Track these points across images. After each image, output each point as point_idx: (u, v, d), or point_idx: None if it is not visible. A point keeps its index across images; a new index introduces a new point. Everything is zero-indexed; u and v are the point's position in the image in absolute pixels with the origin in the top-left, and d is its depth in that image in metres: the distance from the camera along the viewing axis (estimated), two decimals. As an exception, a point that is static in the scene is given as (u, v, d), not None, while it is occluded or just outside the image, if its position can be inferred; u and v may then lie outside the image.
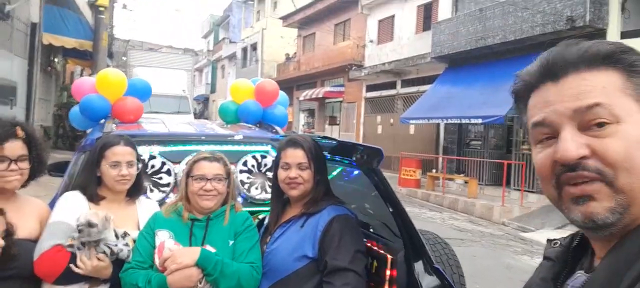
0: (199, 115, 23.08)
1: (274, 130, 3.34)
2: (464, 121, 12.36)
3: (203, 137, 2.97)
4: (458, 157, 13.91)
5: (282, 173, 1.99)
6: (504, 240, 8.62)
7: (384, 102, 18.50)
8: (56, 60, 15.90)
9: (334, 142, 2.05)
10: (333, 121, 22.66)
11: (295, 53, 27.09)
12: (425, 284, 1.68)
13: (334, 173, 2.52)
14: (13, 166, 1.75)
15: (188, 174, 1.98)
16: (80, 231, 1.74)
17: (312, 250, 1.84)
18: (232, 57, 36.13)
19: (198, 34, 53.84)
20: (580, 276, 0.76)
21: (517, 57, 11.76)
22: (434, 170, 14.11)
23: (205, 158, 1.99)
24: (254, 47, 31.91)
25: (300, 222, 1.93)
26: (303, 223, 1.92)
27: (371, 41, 19.11)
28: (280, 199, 2.08)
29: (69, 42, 13.14)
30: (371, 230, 2.17)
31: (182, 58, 24.00)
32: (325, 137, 2.12)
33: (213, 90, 40.95)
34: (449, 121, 12.89)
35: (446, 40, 13.59)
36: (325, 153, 2.07)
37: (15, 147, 1.77)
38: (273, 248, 1.94)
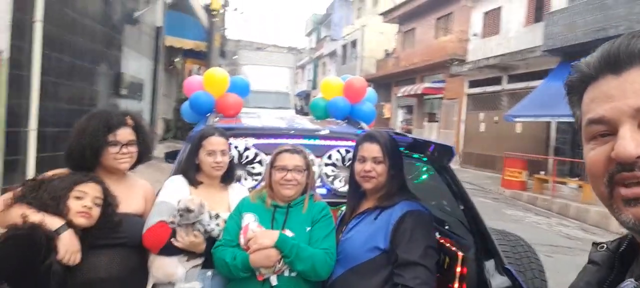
0: (300, 111, 23.98)
1: (359, 126, 3.44)
2: (578, 120, 11.26)
3: (292, 131, 3.17)
4: (571, 159, 12.72)
5: (358, 166, 2.09)
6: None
7: (487, 99, 17.54)
8: (176, 60, 17.64)
9: (409, 138, 2.08)
10: (432, 118, 22.03)
11: (394, 49, 26.79)
12: (495, 284, 1.66)
13: (424, 177, 2.55)
14: (124, 150, 2.07)
15: (271, 165, 2.17)
16: (181, 215, 2.01)
17: (384, 242, 1.91)
18: (333, 54, 36.84)
19: (301, 32, 55.65)
20: (629, 284, 0.71)
21: None
22: (542, 172, 13.08)
23: (286, 151, 2.16)
24: (353, 44, 32.20)
25: (374, 214, 2.01)
26: (376, 216, 1.99)
27: (475, 35, 18.21)
28: (356, 192, 2.18)
29: (187, 44, 14.54)
30: (446, 227, 2.17)
31: (286, 56, 25.12)
32: (400, 134, 2.17)
33: (314, 87, 42.10)
34: (561, 119, 11.84)
35: (560, 31, 12.48)
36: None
37: (125, 134, 2.09)
38: (347, 238, 2.05)
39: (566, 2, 13.31)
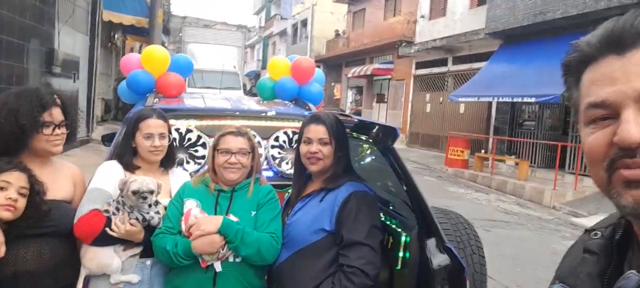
0: (249, 92, 23.56)
1: (307, 107, 3.40)
2: (516, 100, 11.85)
3: (237, 113, 3.08)
4: (509, 138, 13.40)
5: (303, 148, 2.05)
6: (553, 225, 8.30)
7: (433, 80, 18.05)
8: (116, 36, 16.73)
9: (354, 119, 2.07)
10: (381, 99, 22.40)
11: (344, 30, 26.85)
12: (436, 262, 1.70)
13: (369, 158, 2.55)
14: (57, 131, 1.92)
15: (215, 147, 2.08)
16: (144, 197, 1.90)
17: (330, 223, 1.90)
18: (283, 33, 36.38)
19: (250, 10, 54.46)
20: (632, 276, 0.67)
21: (578, 33, 10.59)
22: (483, 151, 13.69)
23: (230, 133, 2.08)
24: (304, 23, 31.93)
25: (319, 196, 1.99)
26: (322, 197, 1.97)
27: (423, 16, 18.57)
28: (302, 174, 2.15)
29: (127, 19, 13.77)
30: (391, 207, 2.19)
31: (234, 34, 24.46)
32: (345, 115, 2.15)
33: (264, 67, 41.42)
34: (501, 99, 12.39)
35: (502, 15, 12.97)
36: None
37: (57, 113, 1.93)
38: (293, 221, 2.01)
39: (507, -13, 13.80)
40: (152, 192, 1.94)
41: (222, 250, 1.90)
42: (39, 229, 1.81)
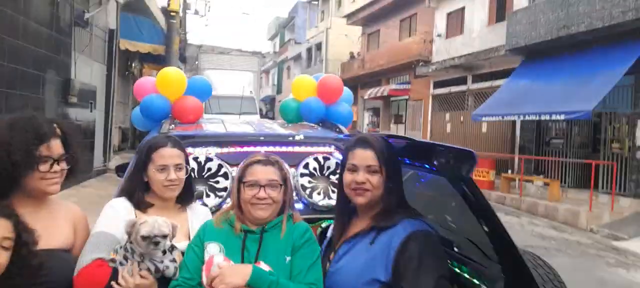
0: (265, 116, 23.46)
1: (337, 130, 3.06)
2: (543, 117, 11.34)
3: (262, 138, 2.75)
4: (537, 157, 12.84)
5: (348, 177, 1.71)
6: (594, 250, 7.73)
7: (453, 99, 17.62)
8: (133, 64, 16.77)
9: (410, 142, 1.72)
10: (399, 120, 22.02)
11: (359, 52, 26.72)
12: (536, 326, 1.29)
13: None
14: (56, 167, 1.61)
15: (240, 179, 1.75)
16: (156, 243, 1.58)
17: (385, 273, 1.54)
18: (297, 57, 36.49)
19: (264, 36, 55.04)
20: None
21: (604, 46, 10.59)
22: (509, 171, 13.15)
23: (258, 162, 1.75)
24: (318, 47, 31.97)
25: (369, 237, 1.63)
26: (373, 239, 1.62)
27: (439, 35, 18.27)
28: (346, 208, 1.80)
29: (144, 47, 13.78)
30: (455, 249, 1.82)
31: (249, 60, 24.53)
32: (398, 136, 1.80)
33: (279, 91, 41.62)
34: (527, 118, 11.90)
35: (523, 30, 12.58)
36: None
37: (57, 146, 1.62)
38: (337, 268, 1.66)
39: (527, 1, 13.46)
40: (165, 237, 1.61)
41: (253, 307, 1.55)
42: (31, 287, 1.48)
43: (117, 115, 14.30)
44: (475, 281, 1.52)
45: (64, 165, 1.65)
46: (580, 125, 12.36)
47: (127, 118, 16.72)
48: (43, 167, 1.58)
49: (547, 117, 11.22)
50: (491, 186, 12.45)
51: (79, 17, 9.87)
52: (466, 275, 1.58)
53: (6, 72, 7.07)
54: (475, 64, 15.64)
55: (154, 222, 1.61)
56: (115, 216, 1.73)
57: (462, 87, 16.87)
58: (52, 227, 1.62)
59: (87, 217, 1.81)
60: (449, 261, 1.63)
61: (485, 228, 1.34)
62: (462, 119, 16.76)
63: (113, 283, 1.57)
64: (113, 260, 1.61)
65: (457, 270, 1.64)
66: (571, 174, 12.02)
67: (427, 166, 1.65)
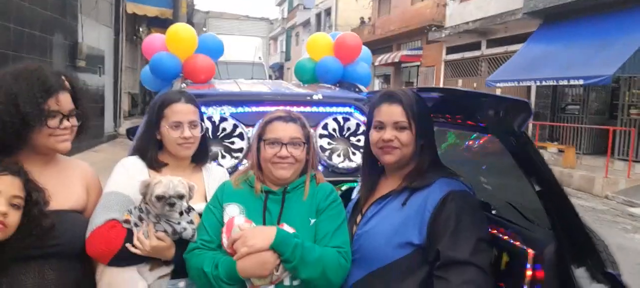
0: (274, 83, 23.20)
1: (357, 89, 2.91)
2: (561, 82, 11.03)
3: (278, 97, 2.62)
4: (552, 123, 12.59)
5: (374, 135, 1.58)
6: (610, 216, 7.63)
7: (466, 65, 17.25)
8: (141, 29, 16.54)
9: (449, 93, 1.57)
10: (410, 86, 21.71)
11: (370, 17, 26.14)
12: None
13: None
14: (65, 122, 1.49)
15: (260, 137, 1.63)
16: (172, 204, 1.48)
17: (419, 235, 1.42)
18: (306, 23, 35.86)
19: (272, 2, 54.06)
20: None
21: (625, 10, 10.17)
22: (523, 138, 12.92)
23: (279, 118, 1.63)
24: (327, 12, 31.34)
25: (401, 198, 1.51)
26: (405, 200, 1.50)
27: (453, -1, 17.74)
28: (373, 168, 1.68)
29: (151, 11, 13.51)
30: (493, 212, 1.70)
31: (258, 25, 24.20)
32: (434, 89, 1.65)
33: (288, 58, 41.15)
34: (544, 83, 11.59)
35: (541, -7, 12.12)
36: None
37: (66, 100, 1.50)
38: (366, 231, 1.55)
39: (547, -38, 12.92)
40: (181, 197, 1.50)
41: (276, 271, 1.45)
42: (41, 249, 1.39)
43: (126, 80, 14.20)
44: (519, 245, 1.40)
45: (74, 121, 1.53)
46: (597, 91, 12.05)
47: (136, 83, 16.62)
48: (52, 123, 1.46)
49: (565, 83, 10.92)
50: (504, 153, 12.27)
51: (84, -21, 9.64)
52: (508, 238, 1.46)
53: (13, 34, 6.94)
54: (490, 29, 15.19)
55: (169, 182, 1.51)
56: (128, 175, 1.62)
57: (476, 53, 16.47)
58: (63, 187, 1.52)
59: (99, 176, 1.70)
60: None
61: (537, 188, 1.21)
62: (475, 85, 16.43)
63: (128, 245, 1.48)
64: (127, 221, 1.51)
65: (495, 232, 1.53)
66: (586, 141, 11.80)
67: (468, 122, 1.50)
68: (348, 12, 28.57)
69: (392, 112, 1.55)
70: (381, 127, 1.58)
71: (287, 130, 1.60)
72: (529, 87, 13.41)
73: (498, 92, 14.79)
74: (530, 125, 13.28)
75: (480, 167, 1.96)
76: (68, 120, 1.50)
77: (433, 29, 18.19)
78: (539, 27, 13.04)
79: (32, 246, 1.36)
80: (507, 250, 1.47)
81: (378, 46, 23.93)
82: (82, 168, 1.66)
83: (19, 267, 1.37)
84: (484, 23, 15.04)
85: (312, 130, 1.76)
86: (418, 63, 20.49)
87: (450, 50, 18.07)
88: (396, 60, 20.98)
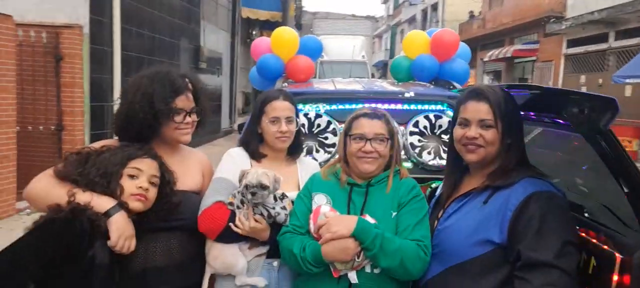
0: (377, 81, 23.19)
1: (451, 87, 2.89)
2: None
3: (371, 94, 2.71)
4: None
5: (458, 132, 1.61)
6: None
7: (590, 59, 15.58)
8: (253, 32, 17.72)
9: (535, 91, 1.54)
10: (523, 83, 20.23)
11: (480, 11, 24.81)
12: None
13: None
14: (188, 118, 1.76)
15: (346, 133, 1.75)
16: (253, 193, 1.67)
17: (500, 234, 1.42)
18: (411, 20, 35.23)
19: (378, 0, 53.86)
20: None
21: None
22: (659, 141, 11.37)
23: (364, 115, 1.73)
24: (434, 7, 30.44)
25: (483, 196, 1.52)
26: (487, 198, 1.51)
27: (576, -13, 16.12)
28: (457, 165, 1.70)
29: (263, 15, 14.44)
30: (586, 215, 1.62)
31: (363, 23, 24.43)
32: (519, 85, 1.63)
33: (392, 56, 40.64)
34: (686, 79, 10.07)
35: (687, -26, 10.52)
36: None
37: (188, 100, 1.77)
38: (446, 226, 1.58)
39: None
40: (264, 188, 1.66)
41: (358, 258, 1.56)
42: (168, 222, 1.66)
43: (240, 80, 15.32)
44: (608, 249, 1.33)
45: (194, 117, 1.80)
46: None
47: (249, 83, 17.81)
48: (178, 118, 1.74)
49: None
50: (634, 156, 10.92)
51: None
52: (596, 241, 1.39)
53: (146, 40, 7.94)
54: (620, 18, 13.54)
55: (255, 172, 1.68)
56: (234, 164, 1.85)
57: (603, 45, 14.79)
58: (185, 171, 1.79)
59: (212, 164, 1.97)
60: (577, 227, 1.45)
61: (626, 189, 1.15)
62: (600, 81, 14.78)
63: (231, 224, 1.69)
64: (231, 204, 1.73)
65: (585, 236, 1.46)
66: None
67: (557, 120, 1.46)
68: (456, 6, 27.42)
69: (479, 110, 1.55)
70: (466, 124, 1.58)
71: (372, 127, 1.70)
72: (667, 83, 11.73)
73: (628, 89, 13.21)
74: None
75: (580, 168, 1.86)
76: (190, 116, 1.77)
77: (552, 20, 16.73)
78: (682, 14, 11.33)
79: (162, 219, 1.64)
80: (596, 254, 1.40)
81: (488, 41, 22.68)
82: (200, 157, 1.95)
83: (151, 237, 1.66)
84: (612, 12, 13.46)
85: (397, 127, 1.83)
86: (533, 58, 19.00)
87: (572, 43, 16.46)
88: (508, 55, 19.68)
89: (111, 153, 1.62)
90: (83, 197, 1.49)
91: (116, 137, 1.80)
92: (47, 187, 1.56)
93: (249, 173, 1.70)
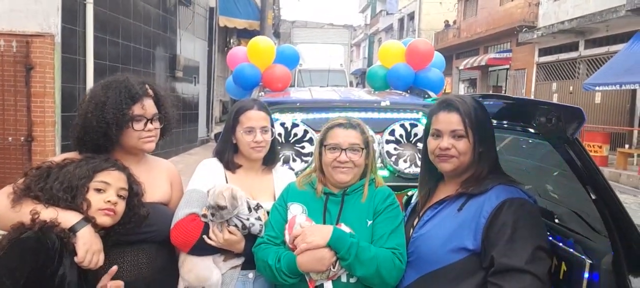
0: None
1: (426, 96, 2.93)
2: (673, 86, 9.88)
3: (347, 104, 2.73)
4: (662, 131, 11.30)
5: (432, 143, 1.62)
6: None
7: (561, 67, 16.05)
8: (231, 41, 17.62)
9: (506, 101, 1.57)
10: (497, 91, 20.69)
11: (455, 20, 25.32)
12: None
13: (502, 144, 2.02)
14: (149, 125, 1.72)
15: (321, 142, 1.75)
16: (212, 214, 1.65)
17: (474, 240, 1.44)
18: (388, 29, 35.68)
19: (356, 9, 54.44)
20: None
21: None
22: (626, 146, 11.76)
23: (339, 125, 1.73)
24: (411, 16, 30.94)
25: (457, 203, 1.54)
26: (461, 205, 1.52)
27: (546, -3, 16.63)
28: (431, 174, 1.71)
29: (240, 23, 14.37)
30: (556, 221, 1.65)
31: (341, 32, 24.58)
32: (491, 95, 1.66)
33: (370, 64, 41.07)
34: (651, 86, 10.46)
35: (650, -14, 10.96)
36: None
37: (149, 106, 1.73)
38: (421, 234, 1.59)
39: (657, -48, 11.64)
40: (222, 208, 1.63)
41: (333, 268, 1.56)
42: (136, 235, 1.62)
43: (218, 88, 15.20)
44: (578, 254, 1.36)
45: (157, 124, 1.75)
46: None
47: (226, 92, 17.72)
48: (137, 126, 1.68)
49: (678, 85, 9.77)
50: (604, 162, 11.25)
51: (182, -5, 10.53)
52: (567, 248, 1.42)
53: (121, 48, 7.80)
54: (589, 28, 14.02)
55: (213, 193, 1.65)
56: (207, 175, 1.83)
57: (573, 54, 15.28)
58: (152, 182, 1.75)
59: (179, 173, 1.94)
60: (548, 233, 1.48)
61: (593, 196, 1.18)
62: (571, 88, 15.25)
63: (204, 237, 1.67)
64: (205, 216, 1.70)
65: (556, 241, 1.49)
66: None
67: (527, 129, 1.49)
68: (432, 15, 27.96)
69: (450, 121, 1.57)
70: (438, 135, 1.60)
71: (346, 136, 1.70)
72: (633, 91, 12.18)
73: (597, 97, 13.63)
74: (635, 132, 12.05)
75: (551, 174, 1.90)
76: (152, 123, 1.73)
77: (524, 30, 17.20)
78: (646, 24, 11.79)
79: (130, 232, 1.60)
80: (566, 259, 1.43)
81: (463, 49, 23.15)
82: (167, 166, 1.90)
83: (118, 251, 1.61)
84: (582, 22, 13.94)
85: (373, 136, 1.84)
86: (507, 66, 19.48)
87: (544, 52, 16.95)
88: (483, 63, 20.14)
89: (75, 166, 1.56)
90: (47, 213, 1.43)
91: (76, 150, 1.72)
92: (7, 205, 1.49)
93: (210, 193, 1.68)
